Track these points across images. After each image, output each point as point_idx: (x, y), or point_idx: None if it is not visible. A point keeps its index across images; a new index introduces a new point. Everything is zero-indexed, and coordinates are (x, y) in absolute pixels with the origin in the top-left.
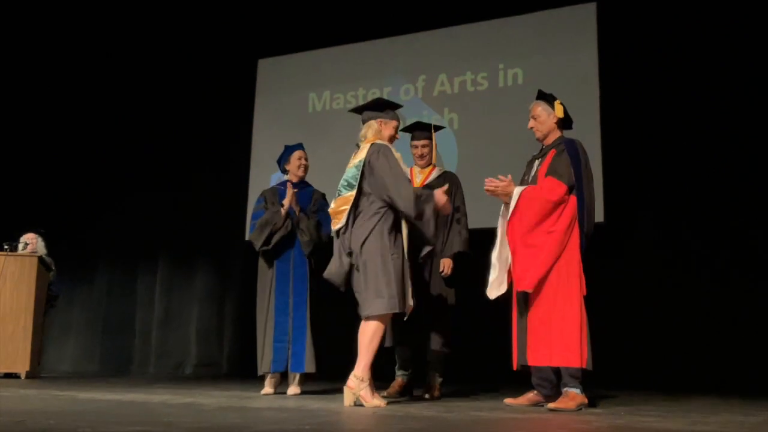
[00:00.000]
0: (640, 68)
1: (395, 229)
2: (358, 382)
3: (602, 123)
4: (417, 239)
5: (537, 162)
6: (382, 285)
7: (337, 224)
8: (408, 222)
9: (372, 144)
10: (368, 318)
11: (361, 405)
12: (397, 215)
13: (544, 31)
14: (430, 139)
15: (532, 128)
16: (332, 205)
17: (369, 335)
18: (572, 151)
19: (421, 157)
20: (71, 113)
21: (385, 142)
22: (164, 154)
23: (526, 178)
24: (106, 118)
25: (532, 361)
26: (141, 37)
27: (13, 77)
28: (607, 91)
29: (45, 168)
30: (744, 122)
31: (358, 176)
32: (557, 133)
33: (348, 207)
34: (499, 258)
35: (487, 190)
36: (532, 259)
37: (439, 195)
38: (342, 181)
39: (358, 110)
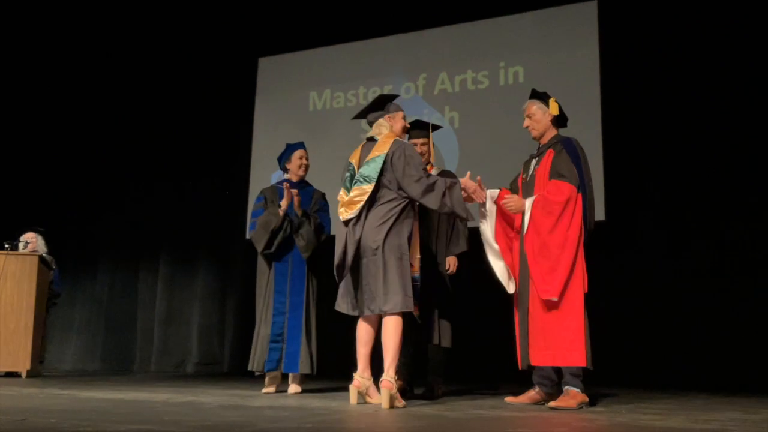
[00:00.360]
0: (641, 66)
1: (411, 229)
2: (394, 382)
3: (603, 121)
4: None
5: (534, 161)
6: (401, 283)
7: (348, 214)
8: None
9: (395, 140)
10: (386, 314)
11: (364, 402)
12: (413, 214)
13: (545, 29)
14: (429, 137)
15: (527, 128)
16: (344, 195)
17: (395, 334)
18: (571, 149)
19: (421, 155)
20: (71, 113)
21: (405, 140)
22: (165, 153)
23: (524, 177)
24: (107, 118)
25: (535, 362)
26: (141, 37)
27: (13, 77)
28: (608, 89)
29: (45, 167)
30: (745, 120)
31: (379, 170)
32: (553, 131)
33: (365, 198)
34: (497, 257)
35: (505, 207)
36: (554, 266)
37: (468, 182)
38: (362, 170)
39: (362, 115)
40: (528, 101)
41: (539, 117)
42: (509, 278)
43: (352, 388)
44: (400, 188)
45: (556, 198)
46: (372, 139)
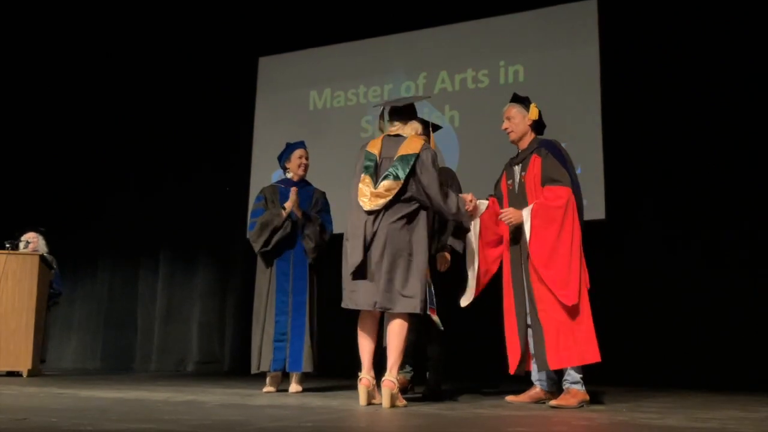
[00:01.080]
0: (641, 64)
1: (427, 231)
2: (396, 382)
3: (603, 119)
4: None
5: (518, 168)
6: (413, 283)
7: (373, 206)
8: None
9: (424, 143)
10: (393, 313)
11: (372, 404)
12: (428, 217)
13: (546, 27)
14: (429, 135)
15: (505, 129)
16: (370, 183)
17: (400, 335)
18: (556, 152)
19: None
20: (72, 112)
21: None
22: (165, 152)
23: (509, 183)
24: (107, 117)
25: (554, 365)
26: (141, 36)
27: (13, 77)
28: (609, 87)
29: (45, 167)
30: (745, 118)
31: (408, 170)
32: (531, 136)
33: (392, 194)
34: (471, 269)
35: (503, 221)
36: (567, 270)
37: (466, 199)
38: (394, 165)
39: (395, 103)
40: (508, 104)
41: (518, 120)
42: (470, 294)
43: (362, 388)
44: (419, 190)
45: (555, 203)
46: (395, 135)
